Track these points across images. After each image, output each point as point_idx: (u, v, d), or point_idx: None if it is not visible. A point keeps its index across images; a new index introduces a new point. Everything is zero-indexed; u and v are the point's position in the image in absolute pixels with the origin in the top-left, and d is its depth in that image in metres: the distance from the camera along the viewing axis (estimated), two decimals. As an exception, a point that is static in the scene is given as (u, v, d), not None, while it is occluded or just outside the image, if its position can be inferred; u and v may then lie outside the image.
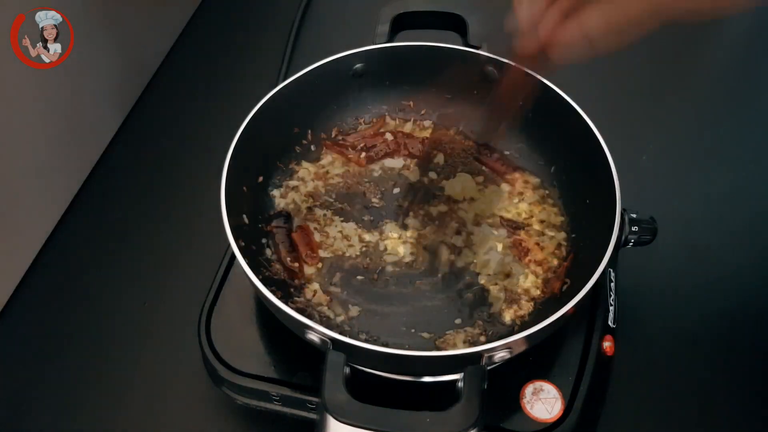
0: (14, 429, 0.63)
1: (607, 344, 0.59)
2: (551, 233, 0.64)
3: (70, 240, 0.76)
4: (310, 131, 0.70)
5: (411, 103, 0.73)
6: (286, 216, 0.65)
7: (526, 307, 0.59)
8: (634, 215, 0.61)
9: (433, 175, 0.69)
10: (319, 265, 0.62)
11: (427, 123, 0.73)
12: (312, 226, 0.65)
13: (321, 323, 0.51)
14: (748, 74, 0.93)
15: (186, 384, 0.64)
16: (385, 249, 0.63)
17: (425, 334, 0.58)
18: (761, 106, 0.89)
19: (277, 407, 0.57)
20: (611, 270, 0.63)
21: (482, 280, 0.61)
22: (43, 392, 0.65)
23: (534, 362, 0.57)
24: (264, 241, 0.63)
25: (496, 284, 0.61)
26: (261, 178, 0.66)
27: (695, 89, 0.93)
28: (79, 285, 0.72)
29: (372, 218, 0.66)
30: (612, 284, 0.62)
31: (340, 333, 0.49)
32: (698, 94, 0.92)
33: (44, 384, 0.65)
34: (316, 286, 0.61)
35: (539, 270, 0.61)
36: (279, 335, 0.57)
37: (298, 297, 0.60)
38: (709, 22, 0.99)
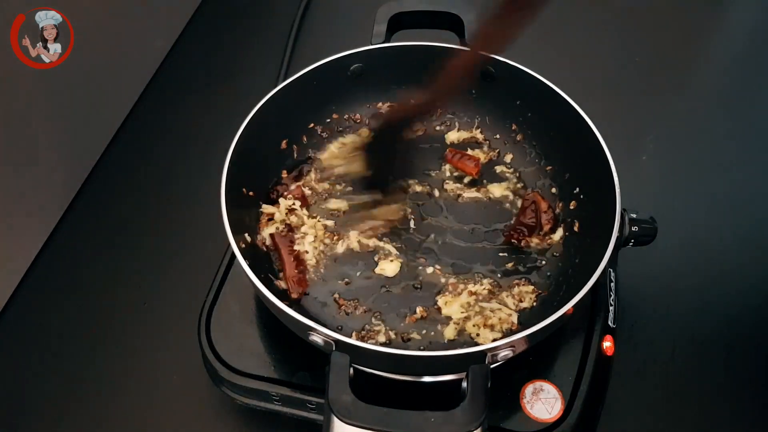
0: (14, 428, 0.63)
1: (607, 344, 0.59)
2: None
3: (70, 240, 0.76)
4: (308, 132, 0.71)
5: (412, 101, 0.73)
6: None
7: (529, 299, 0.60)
8: (634, 215, 0.61)
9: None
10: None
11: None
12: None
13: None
14: (749, 74, 0.93)
15: (186, 384, 0.64)
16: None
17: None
18: (761, 106, 0.89)
19: (277, 407, 0.57)
20: (611, 270, 0.63)
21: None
22: (42, 392, 0.65)
23: (534, 362, 0.57)
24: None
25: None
26: (261, 178, 0.66)
27: (696, 89, 0.93)
28: (78, 285, 0.72)
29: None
30: (612, 284, 0.62)
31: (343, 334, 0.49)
32: (698, 94, 0.92)
33: (44, 383, 0.65)
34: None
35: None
36: (279, 335, 0.58)
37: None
38: (710, 22, 1.00)
